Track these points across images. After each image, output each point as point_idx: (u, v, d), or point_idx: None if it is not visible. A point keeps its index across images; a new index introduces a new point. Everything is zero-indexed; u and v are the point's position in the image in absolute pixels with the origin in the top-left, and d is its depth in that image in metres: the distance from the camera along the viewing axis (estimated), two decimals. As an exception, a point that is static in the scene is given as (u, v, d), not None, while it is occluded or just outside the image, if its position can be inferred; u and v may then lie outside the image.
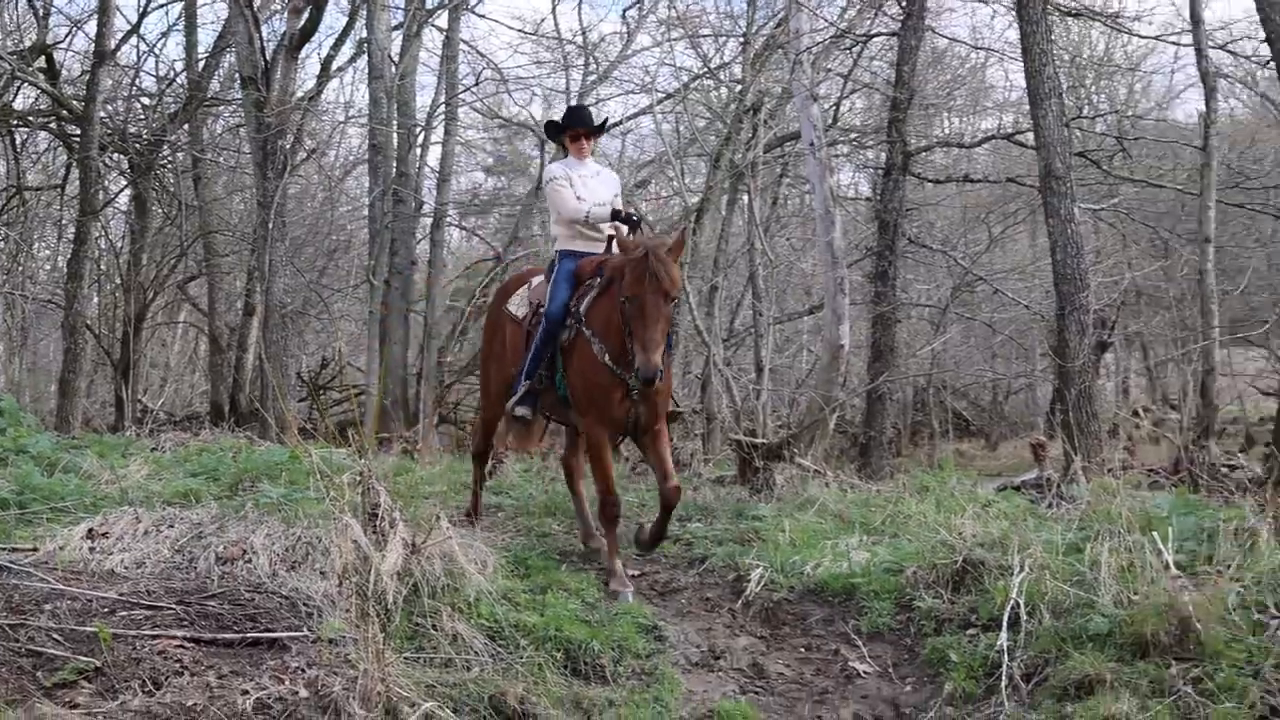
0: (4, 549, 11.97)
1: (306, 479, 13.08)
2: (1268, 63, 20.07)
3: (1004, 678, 9.54)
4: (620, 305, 10.58)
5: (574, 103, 26.34)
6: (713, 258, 25.43)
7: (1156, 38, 27.44)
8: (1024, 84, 20.30)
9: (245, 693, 9.63)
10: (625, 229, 11.65)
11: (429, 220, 26.86)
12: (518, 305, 12.52)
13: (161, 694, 9.92)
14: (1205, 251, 22.44)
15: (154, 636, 10.55)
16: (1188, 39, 23.96)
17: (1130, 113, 31.55)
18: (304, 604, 10.82)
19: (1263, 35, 18.39)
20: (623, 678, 9.94)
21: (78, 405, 25.40)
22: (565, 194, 12.03)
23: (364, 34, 26.36)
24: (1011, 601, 10.01)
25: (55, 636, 10.39)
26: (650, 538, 11.75)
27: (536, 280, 12.56)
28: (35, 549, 11.96)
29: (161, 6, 29.62)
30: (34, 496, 13.50)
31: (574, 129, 12.23)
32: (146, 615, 10.85)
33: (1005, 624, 9.89)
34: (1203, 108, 23.28)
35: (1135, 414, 20.33)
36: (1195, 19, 22.57)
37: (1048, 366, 26.34)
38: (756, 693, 9.91)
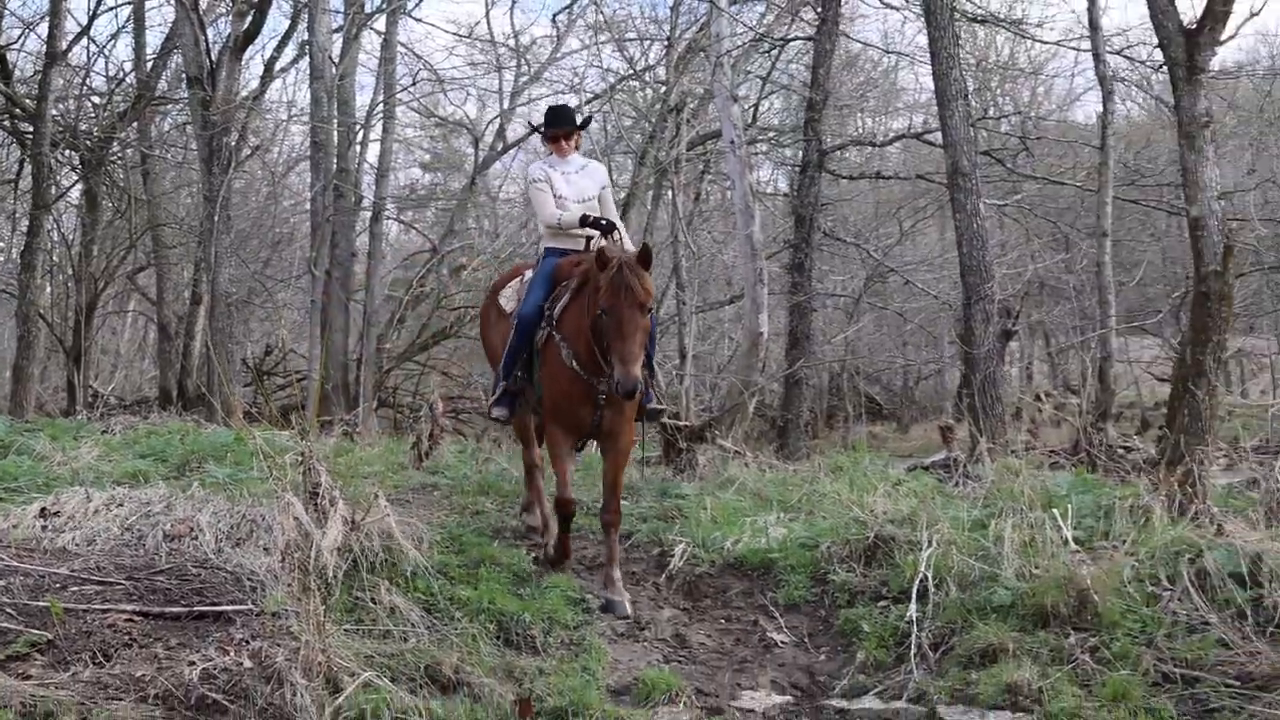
0: (-37, 530, 11.93)
1: (251, 460, 13.07)
2: (1160, 67, 20.24)
3: (913, 647, 9.65)
4: (596, 318, 10.13)
5: (508, 103, 26.39)
6: (639, 250, 25.43)
7: (1057, 43, 27.71)
8: (932, 86, 20.46)
9: (192, 664, 9.62)
10: (598, 234, 11.21)
11: (368, 214, 26.74)
12: (508, 299, 12.00)
13: (111, 665, 9.90)
14: (1103, 245, 22.62)
15: (104, 610, 10.52)
16: (1087, 45, 24.14)
17: (1033, 114, 31.84)
18: (248, 579, 10.81)
19: (1156, 41, 18.55)
20: (552, 648, 10.00)
21: (31, 390, 25.23)
22: (542, 198, 11.45)
23: (306, 36, 26.15)
24: (920, 575, 10.13)
25: (9, 611, 10.34)
26: (606, 559, 10.89)
27: (528, 274, 11.95)
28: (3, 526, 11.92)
29: (111, 9, 29.36)
30: (-4, 477, 13.45)
31: (551, 130, 11.52)
32: (97, 590, 10.82)
33: (914, 596, 10.00)
34: (1100, 109, 23.52)
35: (1037, 398, 20.40)
36: (1093, 25, 22.75)
37: (955, 353, 26.52)
38: (679, 661, 9.96)
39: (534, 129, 12.74)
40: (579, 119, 11.91)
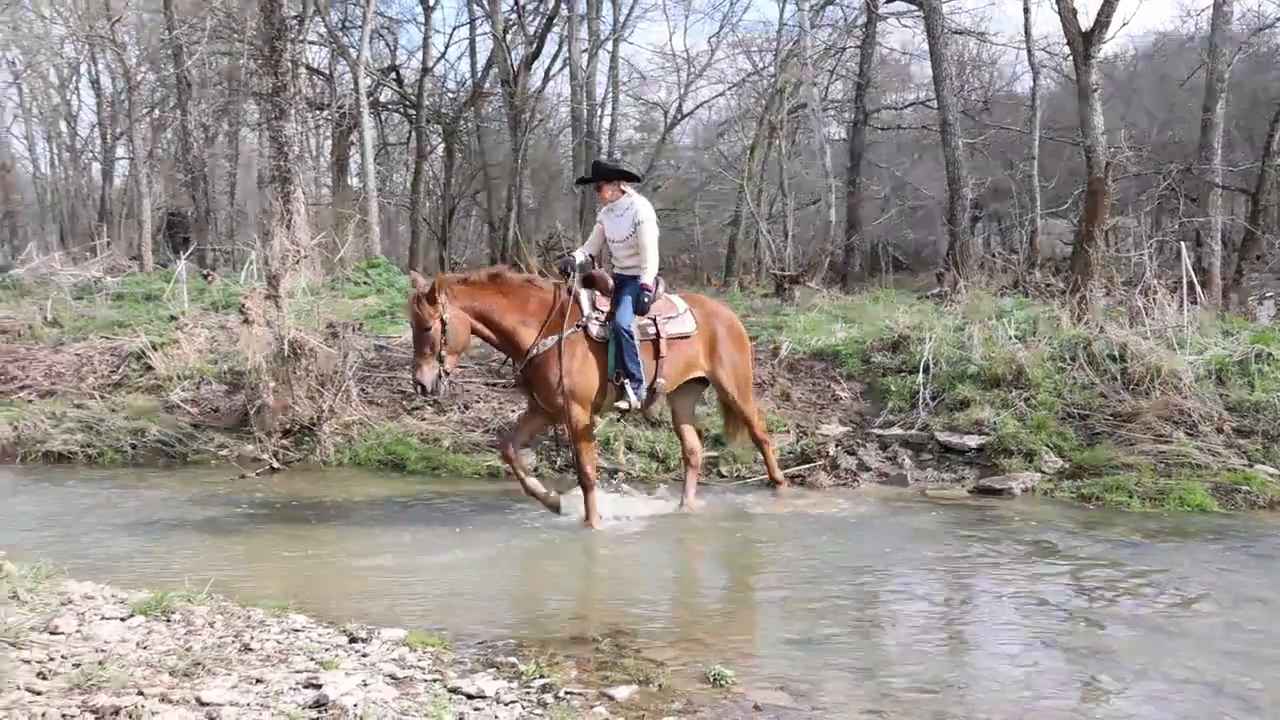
0: (385, 337, 12.31)
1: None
2: (1068, 56, 19.41)
3: (921, 400, 9.68)
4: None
5: (683, 90, 25.90)
6: (760, 174, 25.18)
7: (1005, 44, 26.92)
8: (931, 73, 19.91)
9: (513, 410, 9.95)
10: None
11: (604, 156, 26.74)
12: None
13: (468, 412, 10.28)
14: (1032, 165, 21.89)
15: (465, 382, 10.86)
16: (1024, 44, 23.15)
17: (993, 88, 30.99)
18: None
19: (1065, 40, 17.86)
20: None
21: (419, 260, 25.96)
22: (594, 232, 8.66)
23: (566, 55, 26.19)
24: (925, 357, 10.09)
25: (409, 382, 10.78)
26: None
27: None
28: (400, 337, 12.28)
29: (456, 43, 30.00)
30: (398, 309, 13.87)
31: (589, 181, 8.53)
32: (473, 372, 11.18)
33: (922, 369, 9.99)
34: (1032, 84, 22.63)
35: (993, 256, 19.86)
36: (1027, 33, 21.81)
37: (944, 230, 25.83)
38: (786, 409, 10.01)
39: (580, 181, 10.18)
40: (619, 169, 8.50)
